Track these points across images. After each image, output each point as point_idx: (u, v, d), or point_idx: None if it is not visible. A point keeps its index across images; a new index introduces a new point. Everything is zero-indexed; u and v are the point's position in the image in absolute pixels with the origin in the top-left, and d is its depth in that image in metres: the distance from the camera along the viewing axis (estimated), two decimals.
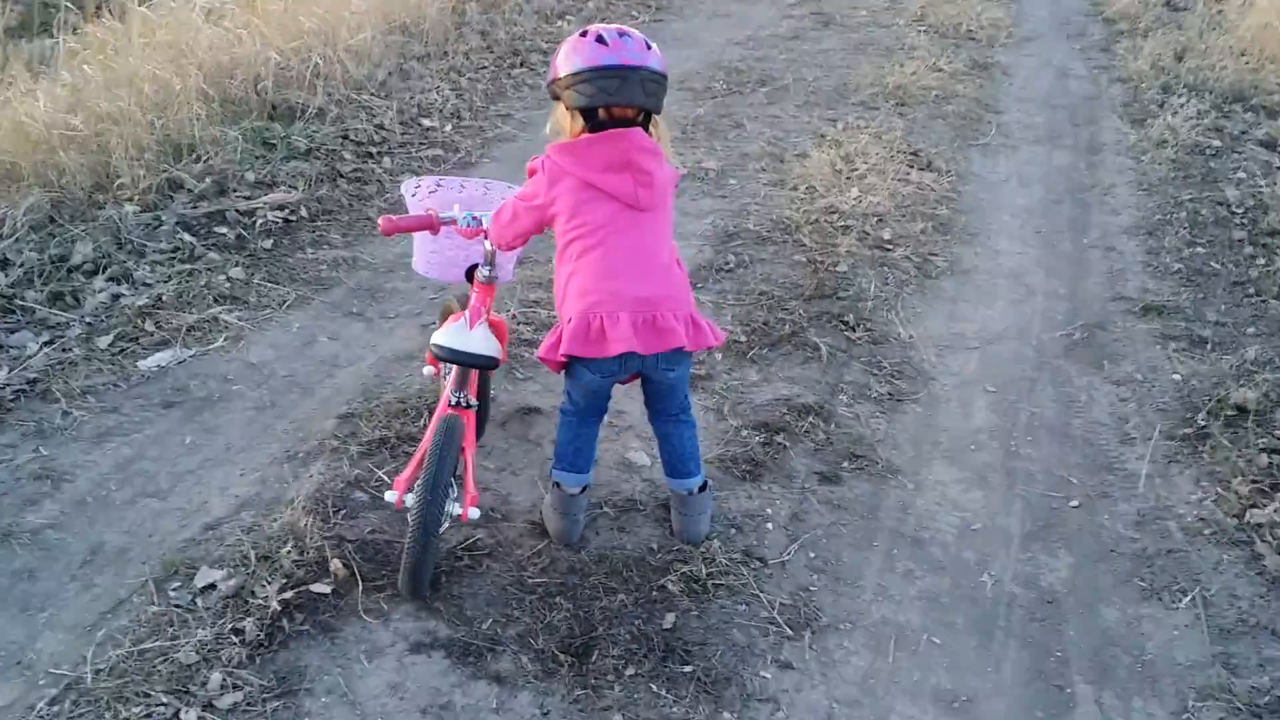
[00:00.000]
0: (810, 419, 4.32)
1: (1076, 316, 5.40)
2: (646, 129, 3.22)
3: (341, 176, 6.40)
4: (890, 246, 5.97)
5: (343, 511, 3.57)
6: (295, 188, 6.14)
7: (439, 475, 3.05)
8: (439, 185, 3.83)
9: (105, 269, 5.07)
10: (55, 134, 5.64)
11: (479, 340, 3.25)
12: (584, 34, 3.16)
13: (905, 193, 6.63)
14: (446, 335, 3.25)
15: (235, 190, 6.05)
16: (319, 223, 5.88)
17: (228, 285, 5.10)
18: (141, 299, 4.85)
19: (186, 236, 5.49)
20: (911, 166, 7.09)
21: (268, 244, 5.57)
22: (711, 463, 3.99)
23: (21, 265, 4.95)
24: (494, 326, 3.83)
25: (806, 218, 6.21)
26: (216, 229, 5.63)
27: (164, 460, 3.86)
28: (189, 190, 5.92)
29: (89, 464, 3.82)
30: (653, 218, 3.24)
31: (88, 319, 4.69)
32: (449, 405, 3.35)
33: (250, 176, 6.20)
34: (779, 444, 4.15)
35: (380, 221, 3.26)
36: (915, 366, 4.86)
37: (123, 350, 4.51)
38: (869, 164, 6.96)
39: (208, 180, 6.03)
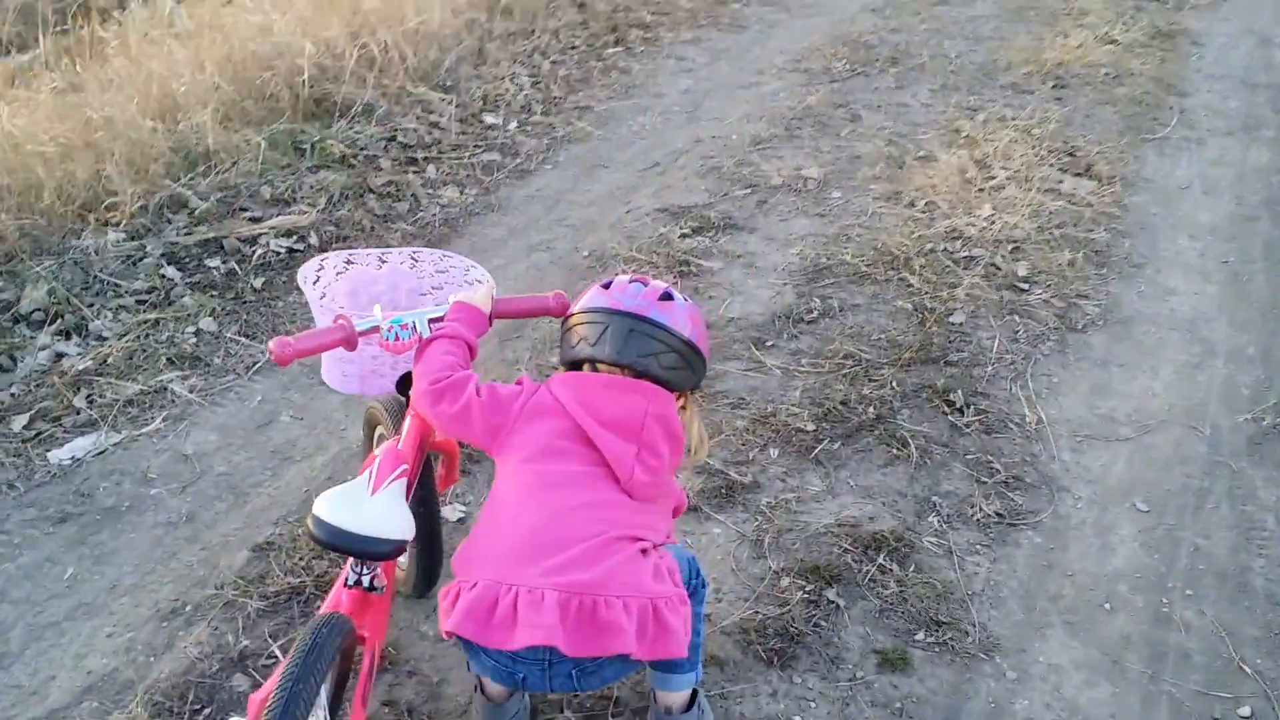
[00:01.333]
0: (881, 557, 3.20)
1: (1270, 391, 4.08)
2: None
3: (371, 191, 5.50)
4: (1025, 286, 4.72)
5: (205, 714, 2.66)
6: (314, 206, 5.27)
7: (292, 702, 2.05)
8: (349, 264, 2.84)
9: (57, 319, 4.30)
10: (30, 148, 4.89)
11: (379, 513, 2.25)
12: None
13: (1052, 209, 5.33)
14: (329, 505, 2.23)
15: (245, 210, 5.22)
16: (329, 253, 4.97)
17: (193, 341, 4.25)
18: (85, 361, 4.05)
19: (170, 272, 4.68)
20: (1065, 171, 5.75)
21: (259, 282, 4.70)
22: (730, 633, 2.93)
23: None
24: (445, 454, 2.86)
25: (920, 246, 5.00)
26: (208, 261, 4.80)
27: (28, 604, 3.02)
28: (189, 211, 5.13)
29: None
30: (638, 507, 2.30)
31: (14, 388, 3.92)
32: (345, 585, 2.40)
33: (266, 192, 5.36)
34: (829, 602, 3.05)
35: (272, 347, 2.29)
36: (1040, 470, 3.65)
37: (38, 435, 3.71)
38: (1010, 170, 5.67)
39: (214, 198, 5.22)
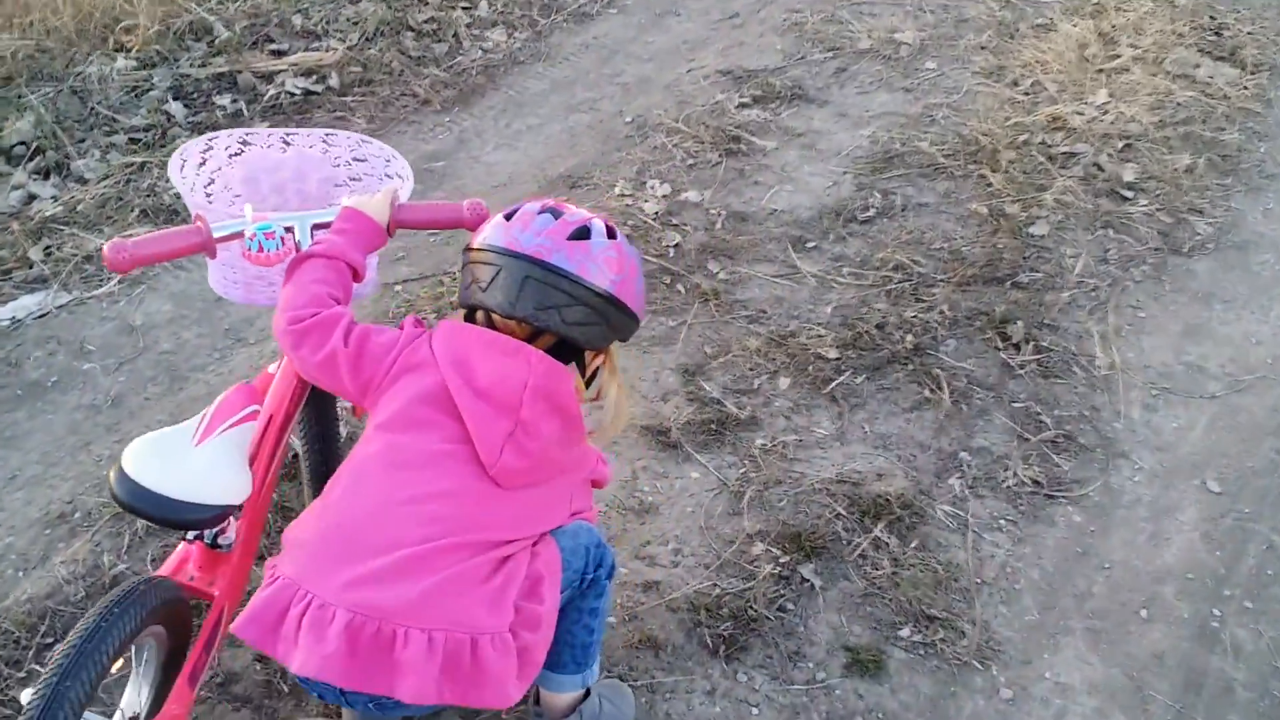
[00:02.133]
0: (879, 527, 2.71)
1: None
2: (570, 361, 1.93)
3: (409, 29, 5.00)
4: (1129, 194, 4.03)
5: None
6: (344, 41, 4.80)
7: (56, 705, 1.67)
8: (245, 144, 2.37)
9: (39, 154, 3.97)
10: None
11: (197, 471, 1.84)
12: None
13: (1180, 100, 4.56)
14: (137, 456, 1.83)
15: (271, 41, 4.79)
16: (349, 98, 4.54)
17: (174, 193, 3.89)
18: (55, 207, 3.72)
19: (173, 108, 4.29)
20: (1205, 54, 4.92)
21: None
22: (677, 609, 2.51)
23: None
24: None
25: (1014, 136, 4.31)
26: (216, 98, 4.40)
27: None
28: (210, 39, 4.71)
29: None
30: (507, 497, 1.84)
31: None
32: (184, 539, 2.05)
33: (297, 22, 4.91)
34: (803, 580, 2.59)
35: (106, 251, 1.86)
36: (1099, 429, 3.09)
37: None
38: (1139, 49, 4.86)
39: (240, 25, 4.79)
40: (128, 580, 1.86)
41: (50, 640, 2.34)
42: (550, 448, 1.83)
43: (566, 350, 1.88)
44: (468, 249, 1.91)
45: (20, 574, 2.50)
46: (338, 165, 2.42)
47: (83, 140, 4.09)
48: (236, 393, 1.98)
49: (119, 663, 1.78)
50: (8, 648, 2.31)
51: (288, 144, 2.39)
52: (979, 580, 2.63)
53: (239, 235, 2.02)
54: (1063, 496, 2.87)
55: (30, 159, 3.95)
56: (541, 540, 1.88)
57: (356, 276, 2.01)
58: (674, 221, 3.87)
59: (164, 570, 2.03)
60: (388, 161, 2.41)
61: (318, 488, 2.35)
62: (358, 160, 2.42)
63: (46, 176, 3.90)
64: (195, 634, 2.00)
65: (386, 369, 1.87)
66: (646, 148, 4.32)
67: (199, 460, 1.84)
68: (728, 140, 4.35)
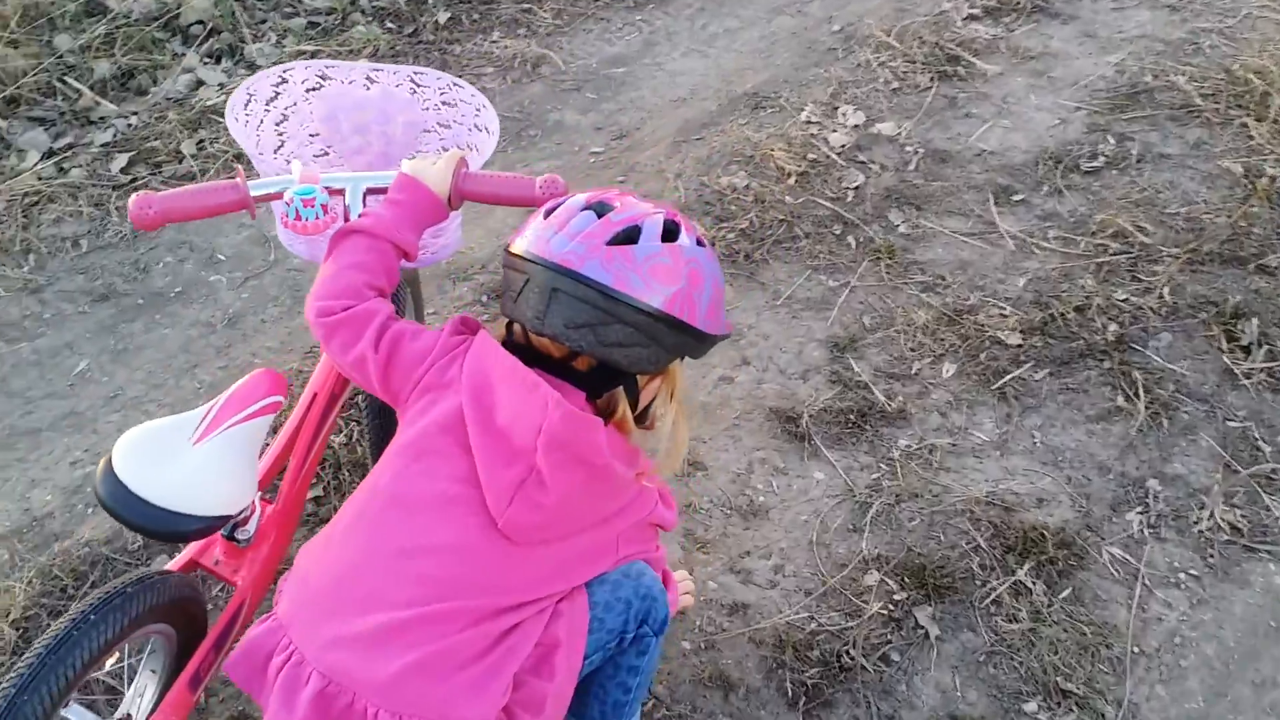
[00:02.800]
0: (1024, 568, 2.29)
1: None
2: (602, 391, 1.57)
3: None
4: None
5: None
6: None
7: (15, 708, 1.53)
8: (323, 80, 2.11)
9: (213, 36, 3.87)
10: None
11: (190, 474, 1.63)
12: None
13: None
14: (126, 452, 1.62)
15: None
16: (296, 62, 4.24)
17: None
18: (218, 96, 3.61)
19: None
20: None
21: (444, 17, 4.06)
22: (761, 642, 2.17)
23: (111, 18, 3.87)
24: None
25: None
26: None
27: (22, 400, 2.69)
28: None
29: None
30: (521, 554, 1.54)
31: (136, 119, 3.56)
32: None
33: None
34: (917, 627, 2.20)
35: (131, 207, 1.68)
36: None
37: (132, 181, 3.36)
38: None
39: None
40: (128, 574, 1.71)
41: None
42: (571, 503, 1.53)
43: (612, 373, 1.56)
44: (506, 250, 1.61)
45: (90, 510, 2.43)
46: (426, 109, 2.15)
47: (262, 21, 3.97)
48: (255, 380, 1.76)
49: (110, 661, 1.68)
50: (52, 595, 2.25)
51: (372, 81, 2.12)
52: (1137, 650, 2.19)
53: (277, 196, 1.79)
54: (1266, 551, 2.37)
55: (205, 40, 3.86)
56: (570, 595, 1.61)
57: (408, 256, 1.75)
58: (860, 158, 3.42)
59: (180, 560, 1.88)
60: (477, 111, 2.11)
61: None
62: (447, 105, 2.14)
63: (218, 61, 3.81)
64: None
65: (415, 382, 1.61)
66: (848, 65, 3.83)
67: (192, 463, 1.64)
68: (944, 60, 3.80)
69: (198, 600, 1.82)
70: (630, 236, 1.49)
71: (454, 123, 2.14)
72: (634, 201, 1.55)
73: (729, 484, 2.47)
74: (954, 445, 2.56)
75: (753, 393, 2.68)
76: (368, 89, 2.12)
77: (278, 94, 2.08)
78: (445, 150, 2.17)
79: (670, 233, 1.51)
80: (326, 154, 2.17)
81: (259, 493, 1.93)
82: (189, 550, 1.90)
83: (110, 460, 1.62)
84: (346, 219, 1.82)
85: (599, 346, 1.48)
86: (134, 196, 1.69)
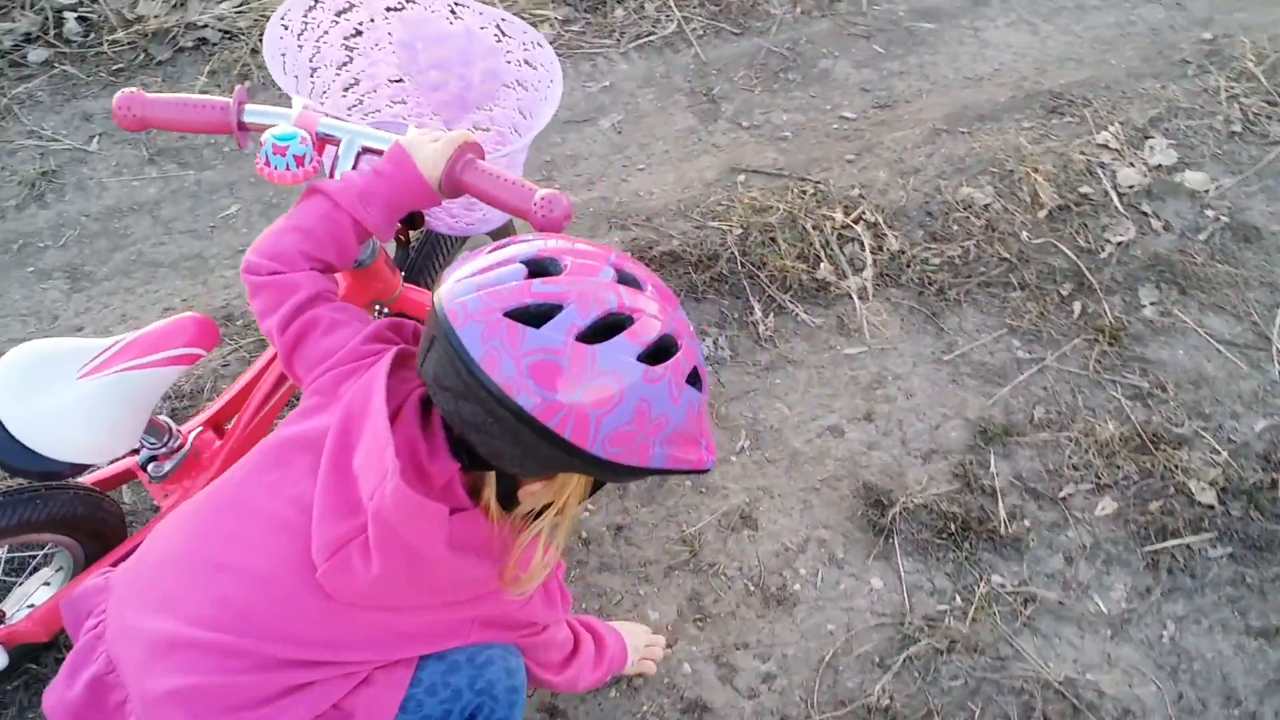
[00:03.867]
0: None
1: None
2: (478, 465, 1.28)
3: None
4: None
5: None
6: None
7: None
8: (409, 1, 1.86)
9: None
10: None
11: (58, 412, 1.53)
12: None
13: None
14: (7, 370, 1.54)
15: None
16: None
17: None
18: None
19: None
20: None
21: None
22: None
23: None
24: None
25: None
26: None
27: (163, 228, 2.70)
28: None
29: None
30: (338, 609, 1.30)
31: None
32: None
33: None
34: None
35: (115, 101, 1.56)
36: None
37: None
38: None
39: None
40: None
41: None
42: (394, 584, 1.30)
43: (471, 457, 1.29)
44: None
45: None
46: (509, 61, 1.89)
47: None
48: (179, 325, 1.63)
49: None
50: None
51: (456, 14, 1.88)
52: None
53: (261, 129, 1.61)
54: None
55: None
56: (391, 666, 1.40)
57: (361, 235, 1.54)
58: (1144, 208, 2.79)
59: (105, 474, 1.80)
60: (550, 84, 1.83)
61: None
62: (528, 64, 1.87)
63: None
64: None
65: (312, 380, 1.43)
66: (1192, 86, 3.13)
67: (65, 400, 1.52)
68: None
69: (106, 518, 1.76)
70: (540, 316, 1.15)
71: (531, 86, 1.87)
72: (594, 279, 1.19)
73: (770, 556, 2.13)
74: (1060, 604, 2.08)
75: (855, 456, 2.29)
76: (451, 23, 1.89)
77: (352, 4, 1.89)
78: (521, 116, 1.92)
79: (602, 333, 1.16)
80: (401, 81, 1.97)
81: (200, 427, 1.85)
82: (120, 464, 1.84)
83: None
84: (333, 174, 1.63)
85: (458, 419, 1.21)
86: (120, 93, 1.57)
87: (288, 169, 1.56)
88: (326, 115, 1.61)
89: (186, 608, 1.29)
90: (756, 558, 2.13)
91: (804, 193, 2.82)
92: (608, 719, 1.90)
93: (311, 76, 1.83)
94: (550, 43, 3.33)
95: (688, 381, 1.18)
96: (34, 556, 1.90)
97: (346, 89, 1.92)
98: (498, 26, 1.87)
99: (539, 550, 1.30)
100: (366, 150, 1.60)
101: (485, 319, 1.15)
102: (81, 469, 1.58)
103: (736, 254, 2.63)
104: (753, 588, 2.09)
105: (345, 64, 1.90)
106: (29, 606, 1.78)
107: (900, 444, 2.32)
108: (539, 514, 1.30)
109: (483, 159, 1.54)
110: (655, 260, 2.64)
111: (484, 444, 1.20)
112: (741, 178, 2.91)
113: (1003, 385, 2.43)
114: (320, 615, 1.29)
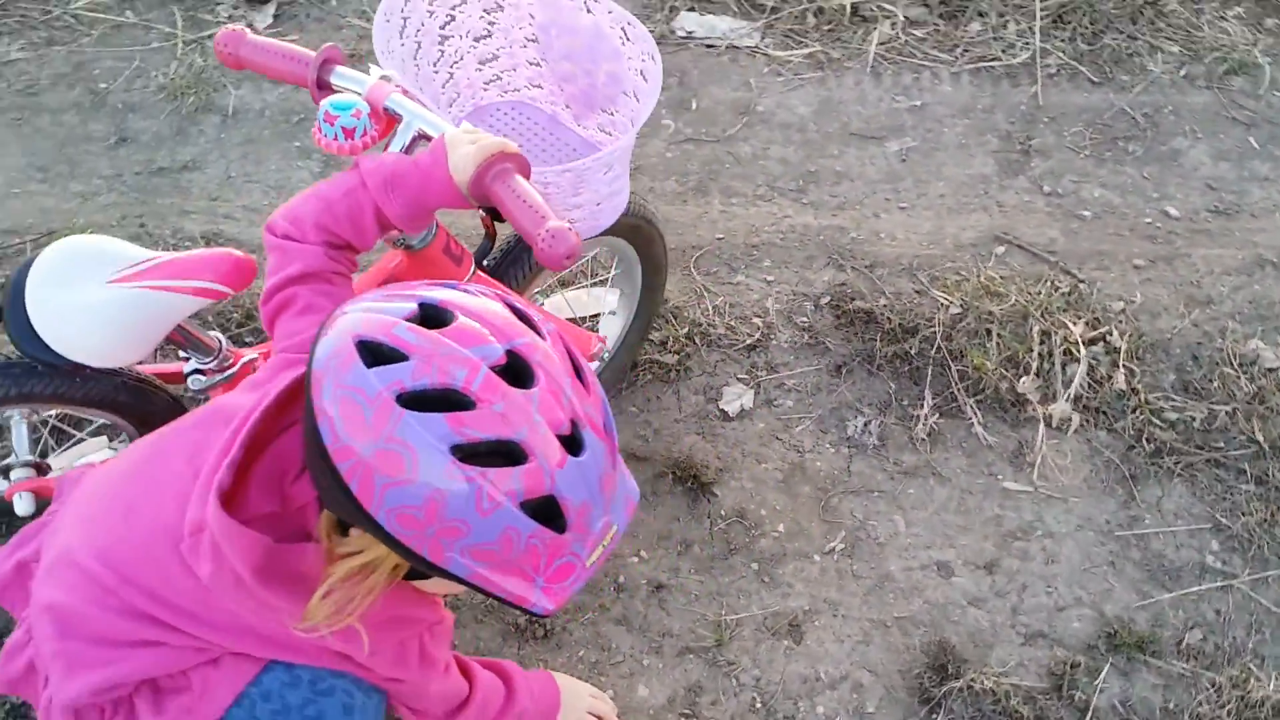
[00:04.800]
0: None
1: None
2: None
3: None
4: None
5: None
6: None
7: None
8: None
9: None
10: None
11: (78, 310, 1.59)
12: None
13: None
14: (49, 263, 1.60)
15: None
16: None
17: None
18: None
19: None
20: None
21: None
22: None
23: None
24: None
25: None
26: None
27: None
28: None
29: None
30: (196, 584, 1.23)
31: None
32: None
33: None
34: None
35: (218, 37, 1.59)
36: None
37: None
38: None
39: None
40: None
41: None
42: (221, 590, 1.29)
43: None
44: None
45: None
46: (629, 69, 1.74)
47: None
48: (216, 259, 1.66)
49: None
50: None
51: (590, 10, 1.75)
52: None
53: (325, 92, 1.59)
54: None
55: None
56: (242, 657, 1.41)
57: (377, 229, 1.49)
58: None
59: (152, 368, 1.90)
60: (637, 101, 1.67)
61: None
62: (643, 76, 1.71)
63: None
64: None
65: (277, 351, 1.44)
66: None
67: (87, 299, 1.58)
68: None
69: (153, 408, 1.84)
70: (382, 357, 1.05)
71: (641, 99, 1.72)
72: (464, 349, 1.05)
73: (796, 680, 1.90)
74: None
75: (950, 606, 1.98)
76: (583, 15, 1.76)
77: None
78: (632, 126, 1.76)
79: (425, 404, 1.02)
80: (539, 66, 1.87)
81: (256, 355, 1.89)
82: (174, 365, 1.92)
83: (32, 259, 1.65)
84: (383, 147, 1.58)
85: (303, 445, 1.17)
86: (221, 31, 1.60)
87: (335, 139, 1.53)
88: (401, 91, 1.56)
89: (91, 533, 1.34)
90: (781, 676, 1.92)
91: (1056, 288, 2.44)
92: None
93: (440, 44, 1.79)
94: (882, 43, 3.12)
95: (525, 508, 1.04)
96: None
97: (483, 63, 1.86)
98: (624, 30, 1.73)
99: (318, 595, 1.21)
100: (422, 135, 1.55)
101: (344, 338, 1.07)
102: (82, 368, 1.67)
103: (939, 335, 2.34)
104: (759, 706, 1.90)
105: (483, 37, 1.84)
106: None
107: (1009, 611, 2.00)
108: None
109: (525, 173, 1.44)
110: (845, 315, 2.40)
111: (317, 479, 1.14)
112: (1001, 250, 2.57)
113: (1170, 590, 2.02)
114: (187, 588, 1.28)
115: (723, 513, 2.13)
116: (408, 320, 1.06)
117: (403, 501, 1.03)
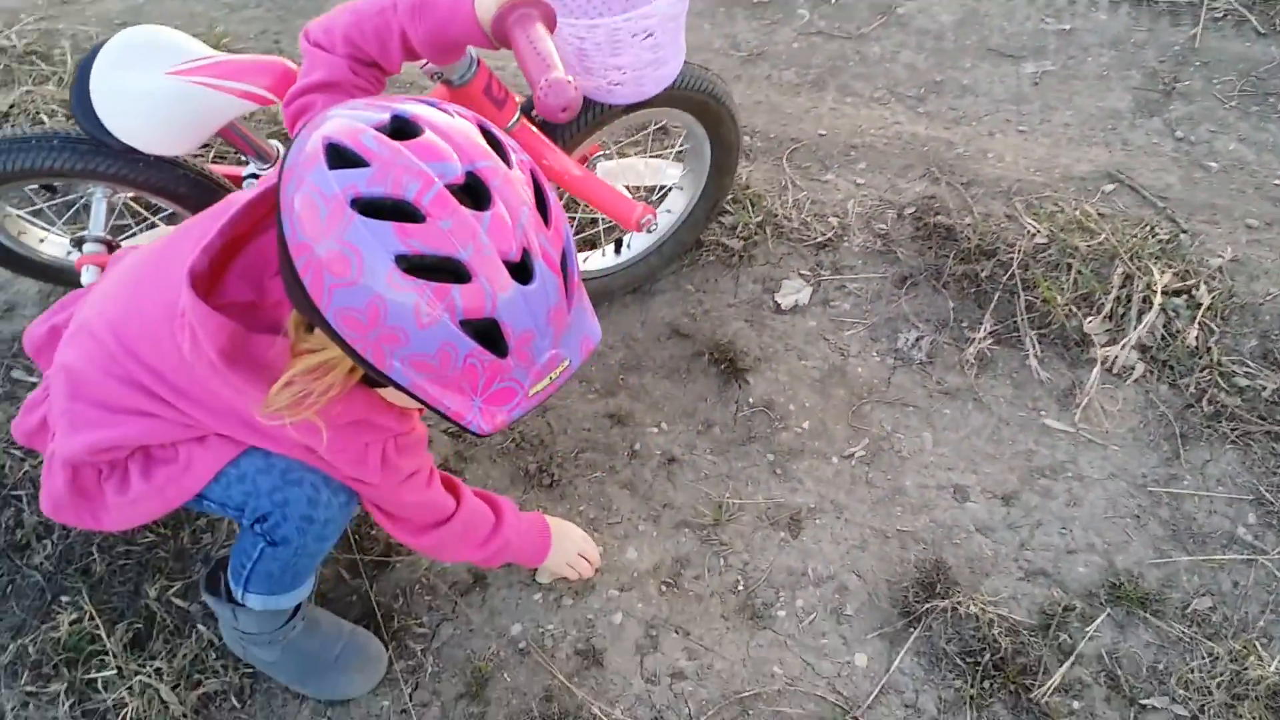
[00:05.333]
0: None
1: None
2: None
3: None
4: None
5: None
6: None
7: None
8: None
9: None
10: None
11: (139, 95, 1.73)
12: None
13: None
14: (119, 48, 1.74)
15: None
16: None
17: None
18: None
19: None
20: None
21: None
22: None
23: None
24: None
25: None
26: None
27: None
28: None
29: None
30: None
31: None
32: None
33: None
34: None
35: None
36: None
37: None
38: None
39: None
40: None
41: None
42: (199, 370, 1.38)
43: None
44: None
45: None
46: None
47: None
48: (268, 66, 1.73)
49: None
50: None
51: None
52: None
53: None
54: None
55: None
56: (225, 439, 1.51)
57: (429, 55, 1.54)
58: None
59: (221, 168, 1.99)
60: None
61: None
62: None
63: None
64: None
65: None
66: None
67: (145, 86, 1.70)
68: None
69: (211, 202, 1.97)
70: (346, 161, 1.08)
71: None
72: (422, 163, 1.07)
73: (782, 572, 1.92)
74: None
75: (954, 531, 1.95)
76: None
77: None
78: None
79: (377, 211, 1.05)
80: None
81: None
82: (234, 168, 2.04)
83: (113, 37, 1.75)
84: None
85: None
86: None
87: None
88: None
89: (108, 306, 1.45)
90: (769, 565, 1.94)
91: (1155, 234, 2.32)
92: (517, 613, 1.90)
93: None
94: None
95: (465, 327, 1.08)
96: None
97: None
98: None
99: (279, 383, 1.25)
100: None
101: (317, 139, 1.10)
102: (134, 151, 1.78)
103: (1015, 262, 2.26)
104: (740, 589, 1.92)
105: None
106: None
107: (1016, 545, 1.96)
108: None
109: (549, 23, 1.46)
110: (925, 228, 2.34)
111: (280, 262, 1.18)
112: (1110, 187, 2.45)
113: (1190, 554, 1.94)
114: (179, 366, 1.37)
115: (750, 400, 2.14)
116: (377, 129, 1.09)
117: (348, 302, 1.08)
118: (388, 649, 1.83)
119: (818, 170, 2.51)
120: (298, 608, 1.74)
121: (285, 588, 1.65)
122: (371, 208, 1.05)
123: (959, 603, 1.87)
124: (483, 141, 1.13)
